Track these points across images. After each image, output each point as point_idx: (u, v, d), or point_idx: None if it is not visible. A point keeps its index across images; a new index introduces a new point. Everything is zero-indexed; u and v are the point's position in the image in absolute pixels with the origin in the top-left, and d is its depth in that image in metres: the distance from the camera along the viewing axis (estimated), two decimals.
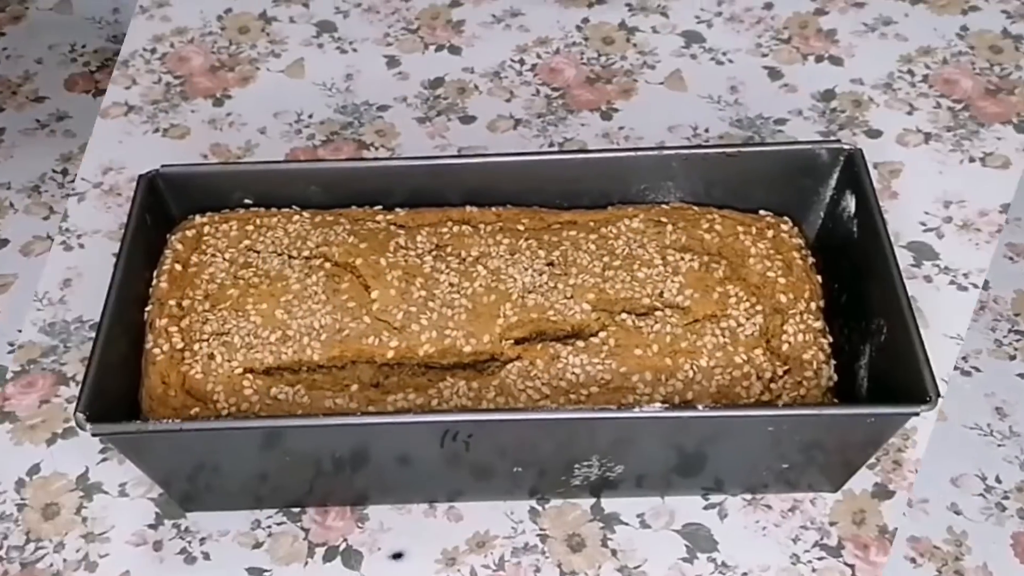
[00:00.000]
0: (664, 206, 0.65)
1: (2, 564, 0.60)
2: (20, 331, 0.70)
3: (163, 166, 0.65)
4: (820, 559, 0.59)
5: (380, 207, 0.66)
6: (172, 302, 0.61)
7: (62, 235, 0.75)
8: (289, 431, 0.55)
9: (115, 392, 0.58)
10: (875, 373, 0.58)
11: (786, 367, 0.58)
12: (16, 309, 0.73)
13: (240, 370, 0.59)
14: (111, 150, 0.80)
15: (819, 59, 0.84)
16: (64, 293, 0.72)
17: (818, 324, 0.60)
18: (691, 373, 0.58)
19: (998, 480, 0.64)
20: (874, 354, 0.58)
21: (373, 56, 0.85)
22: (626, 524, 0.61)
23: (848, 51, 0.84)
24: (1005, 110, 0.80)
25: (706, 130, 0.79)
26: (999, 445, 0.66)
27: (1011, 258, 0.75)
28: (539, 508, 0.61)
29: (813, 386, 0.58)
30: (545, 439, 0.56)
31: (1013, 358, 0.70)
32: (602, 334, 0.60)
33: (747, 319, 0.60)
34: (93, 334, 0.67)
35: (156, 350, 0.59)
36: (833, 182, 0.64)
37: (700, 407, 0.55)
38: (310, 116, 0.81)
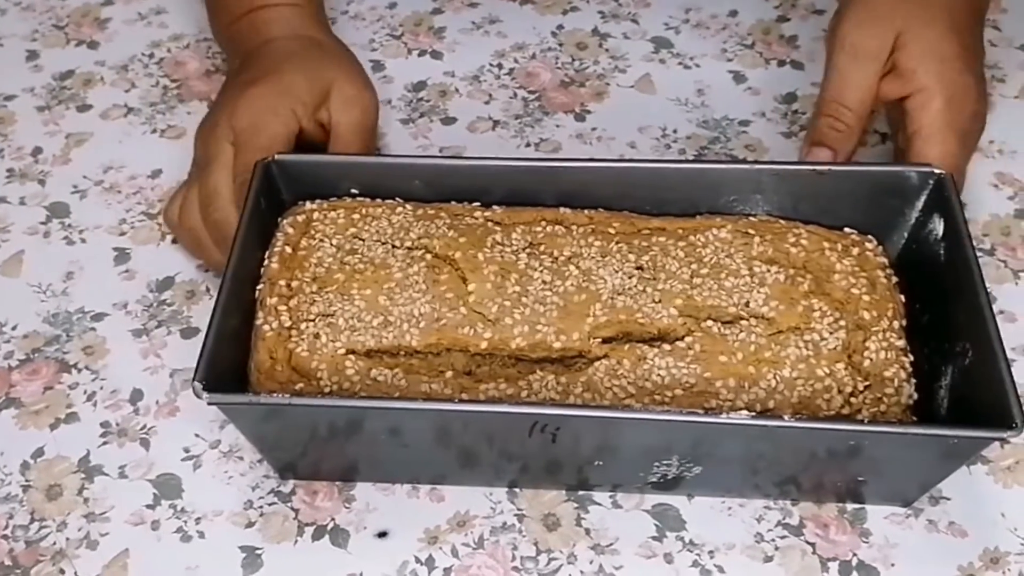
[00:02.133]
0: (751, 218, 0.65)
1: (8, 542, 0.61)
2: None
3: (278, 154, 0.65)
4: (783, 538, 0.59)
5: (478, 204, 0.66)
6: (282, 282, 0.62)
7: (64, 230, 0.75)
8: (390, 413, 0.56)
9: (226, 364, 0.58)
10: (956, 395, 0.57)
11: (867, 383, 0.58)
12: None
13: (343, 351, 0.59)
14: (111, 150, 0.80)
15: (781, 64, 0.84)
16: (66, 285, 0.72)
17: (900, 343, 0.59)
18: (773, 383, 0.58)
19: None
20: (956, 376, 0.58)
21: (360, 60, 0.85)
22: (599, 504, 0.61)
23: (809, 56, 0.84)
24: None
25: (674, 131, 0.79)
26: None
27: (996, 185, 0.75)
28: (516, 490, 0.62)
29: (893, 403, 0.57)
30: (630, 436, 0.56)
31: None
32: (688, 339, 0.59)
33: (830, 333, 0.59)
34: (94, 324, 0.69)
35: (266, 327, 0.60)
36: (920, 204, 0.63)
37: (786, 417, 0.55)
38: None
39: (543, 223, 0.64)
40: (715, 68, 0.84)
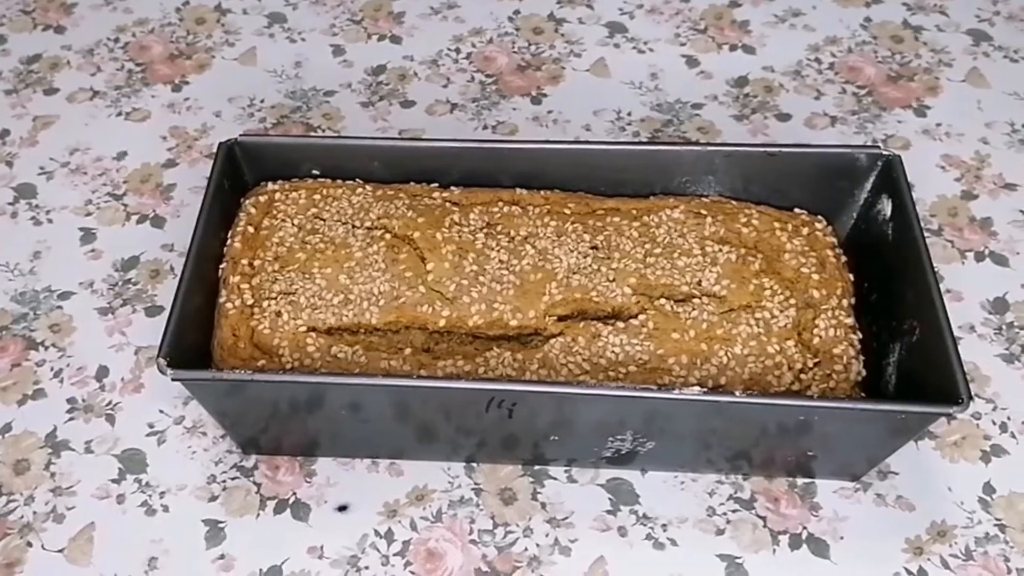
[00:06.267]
0: (704, 199, 0.62)
1: None
2: None
3: (241, 135, 0.62)
4: (734, 511, 0.58)
5: (436, 184, 0.63)
6: (244, 261, 0.59)
7: (32, 211, 0.72)
8: (349, 389, 0.53)
9: (190, 341, 0.55)
10: (904, 371, 0.55)
11: (816, 359, 0.55)
12: None
13: (304, 328, 0.56)
14: (77, 132, 0.77)
15: (733, 48, 0.82)
16: (33, 264, 0.69)
17: (849, 320, 0.57)
18: (725, 359, 0.55)
19: None
20: (904, 353, 0.55)
21: (320, 45, 0.83)
22: (554, 479, 0.59)
23: (760, 41, 0.83)
24: (905, 95, 0.78)
25: (628, 114, 0.77)
26: None
27: (943, 167, 0.74)
28: (473, 465, 0.60)
29: (842, 380, 0.55)
30: (585, 412, 0.54)
31: None
32: (641, 317, 0.57)
33: (780, 311, 0.57)
34: (61, 303, 0.66)
35: (228, 304, 0.57)
36: (869, 185, 0.61)
37: (737, 393, 0.52)
38: (262, 101, 0.78)
39: (500, 204, 0.62)
40: (668, 52, 0.81)
